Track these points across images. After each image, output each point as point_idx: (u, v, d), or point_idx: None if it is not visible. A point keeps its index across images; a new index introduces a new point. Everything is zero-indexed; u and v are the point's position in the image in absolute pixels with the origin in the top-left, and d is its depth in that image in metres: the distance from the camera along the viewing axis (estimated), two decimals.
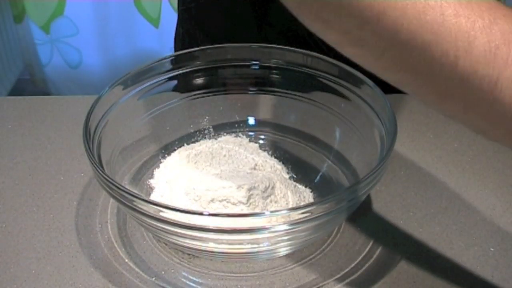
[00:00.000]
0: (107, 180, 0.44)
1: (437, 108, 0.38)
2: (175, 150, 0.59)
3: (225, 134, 0.61)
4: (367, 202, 0.55)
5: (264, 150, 0.59)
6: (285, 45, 0.59)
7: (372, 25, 0.33)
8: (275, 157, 0.59)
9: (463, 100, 0.35)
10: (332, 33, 0.36)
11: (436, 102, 0.37)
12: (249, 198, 0.49)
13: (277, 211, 0.46)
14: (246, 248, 0.45)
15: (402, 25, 0.33)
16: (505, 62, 0.33)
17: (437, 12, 0.33)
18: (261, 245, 0.45)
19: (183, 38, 0.80)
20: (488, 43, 0.33)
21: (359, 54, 0.37)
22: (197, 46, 0.61)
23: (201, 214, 0.42)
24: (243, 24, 0.72)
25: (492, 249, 0.51)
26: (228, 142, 0.59)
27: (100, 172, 0.45)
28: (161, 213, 0.42)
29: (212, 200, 0.49)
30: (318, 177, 0.57)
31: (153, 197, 0.53)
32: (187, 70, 0.59)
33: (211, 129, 0.61)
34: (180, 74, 0.59)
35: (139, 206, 0.43)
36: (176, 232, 0.43)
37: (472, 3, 0.33)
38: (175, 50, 0.82)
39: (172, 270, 0.49)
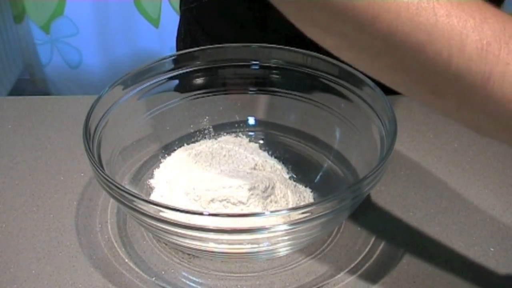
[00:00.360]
0: (107, 180, 0.44)
1: (431, 106, 0.39)
2: (175, 150, 0.59)
3: (225, 134, 0.61)
4: (367, 202, 0.55)
5: (264, 150, 0.59)
6: (286, 46, 0.59)
7: (368, 28, 0.35)
8: (275, 157, 0.59)
9: (457, 97, 0.36)
10: (329, 38, 0.37)
11: (430, 100, 0.38)
12: (249, 198, 0.49)
13: (277, 211, 0.46)
14: (246, 248, 0.45)
15: (396, 27, 0.34)
16: (497, 58, 0.33)
17: (430, 13, 0.34)
18: (261, 245, 0.45)
19: (184, 38, 0.80)
20: (480, 41, 0.33)
21: (356, 57, 0.38)
22: (198, 46, 0.61)
23: (201, 214, 0.42)
24: (244, 25, 0.72)
25: (492, 249, 0.51)
26: (228, 142, 0.59)
27: (100, 172, 0.45)
28: (161, 213, 0.42)
29: (212, 200, 0.49)
30: (318, 177, 0.57)
31: (153, 197, 0.53)
32: (187, 70, 0.59)
33: (211, 129, 0.61)
34: (180, 74, 0.59)
35: (139, 206, 0.43)
36: (176, 232, 0.43)
37: (463, 4, 0.34)
38: (177, 50, 0.82)
39: (172, 270, 0.49)
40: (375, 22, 0.34)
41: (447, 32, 0.34)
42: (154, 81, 0.58)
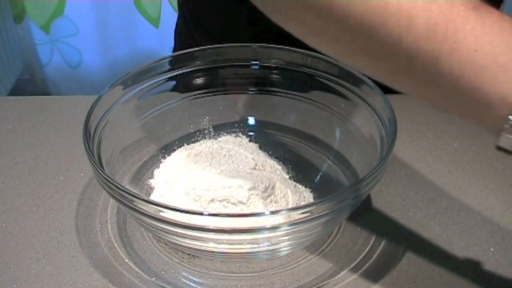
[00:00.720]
0: (107, 180, 0.44)
1: (393, 86, 0.40)
2: (175, 150, 0.59)
3: (225, 134, 0.61)
4: (367, 202, 0.55)
5: (264, 150, 0.59)
6: (279, 42, 0.59)
7: (324, 14, 0.37)
8: (275, 157, 0.59)
9: (412, 75, 0.37)
10: (292, 24, 0.39)
11: (390, 80, 0.39)
12: (249, 198, 0.49)
13: (277, 211, 0.46)
14: (246, 248, 0.45)
15: (350, 11, 0.36)
16: (444, 37, 0.34)
17: None
18: (261, 245, 0.45)
19: (181, 31, 0.80)
20: (428, 21, 0.35)
21: (319, 42, 0.40)
22: (194, 41, 0.61)
23: (201, 214, 0.42)
24: (236, 20, 0.72)
25: (492, 249, 0.51)
26: (228, 142, 0.59)
27: (100, 172, 0.45)
28: (161, 213, 0.42)
29: (212, 200, 0.49)
30: (318, 177, 0.57)
31: (153, 197, 0.53)
32: (187, 70, 0.59)
33: (211, 129, 0.61)
34: (180, 74, 0.59)
35: (139, 206, 0.43)
36: (176, 232, 0.43)
37: None
38: (175, 44, 0.83)
39: (172, 270, 0.49)
40: (330, 7, 0.36)
41: (397, 13, 0.35)
42: (154, 81, 0.58)
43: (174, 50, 0.83)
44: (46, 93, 1.83)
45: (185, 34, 0.79)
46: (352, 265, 0.49)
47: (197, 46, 0.60)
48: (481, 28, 0.34)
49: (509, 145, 0.36)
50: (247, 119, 0.62)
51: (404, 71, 0.37)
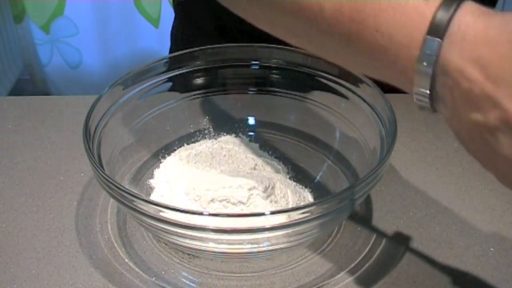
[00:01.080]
0: (107, 180, 0.44)
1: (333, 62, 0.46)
2: (175, 150, 0.59)
3: (225, 134, 0.61)
4: (367, 202, 0.55)
5: (264, 150, 0.59)
6: (278, 41, 0.59)
7: (256, 2, 0.41)
8: (275, 157, 0.59)
9: (337, 54, 0.40)
10: (239, 12, 0.43)
11: (326, 58, 0.44)
12: (249, 198, 0.49)
13: (277, 211, 0.46)
14: (246, 248, 0.45)
15: (273, 3, 0.40)
16: (350, 20, 0.36)
17: None
18: (261, 245, 0.45)
19: (176, 31, 0.81)
20: (335, 5, 0.36)
21: (263, 26, 0.43)
22: (189, 41, 0.61)
23: (201, 214, 0.42)
24: (235, 20, 0.72)
25: (492, 249, 0.51)
26: (228, 142, 0.59)
27: (100, 172, 0.45)
28: (161, 213, 0.42)
29: (212, 200, 0.49)
30: (318, 177, 0.57)
31: (153, 197, 0.53)
32: (187, 70, 0.59)
33: (211, 129, 0.61)
34: (180, 74, 0.59)
35: (139, 206, 0.43)
36: (176, 232, 0.43)
37: None
38: (171, 44, 0.83)
39: (172, 270, 0.49)
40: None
41: (309, 2, 0.37)
42: (154, 81, 0.58)
43: (170, 50, 0.83)
44: (46, 93, 1.83)
45: (180, 35, 0.79)
46: (352, 265, 0.49)
47: (192, 47, 0.60)
48: (379, 7, 0.35)
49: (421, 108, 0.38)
50: (247, 119, 0.62)
51: (330, 51, 0.40)
